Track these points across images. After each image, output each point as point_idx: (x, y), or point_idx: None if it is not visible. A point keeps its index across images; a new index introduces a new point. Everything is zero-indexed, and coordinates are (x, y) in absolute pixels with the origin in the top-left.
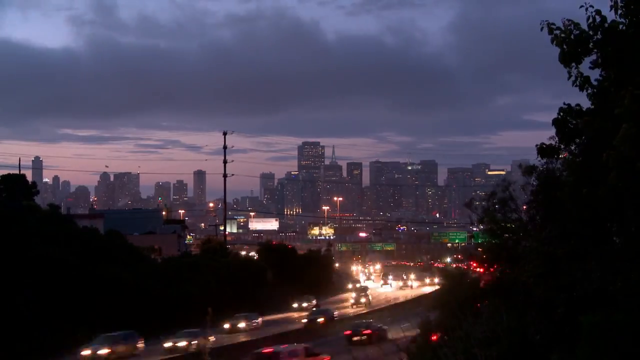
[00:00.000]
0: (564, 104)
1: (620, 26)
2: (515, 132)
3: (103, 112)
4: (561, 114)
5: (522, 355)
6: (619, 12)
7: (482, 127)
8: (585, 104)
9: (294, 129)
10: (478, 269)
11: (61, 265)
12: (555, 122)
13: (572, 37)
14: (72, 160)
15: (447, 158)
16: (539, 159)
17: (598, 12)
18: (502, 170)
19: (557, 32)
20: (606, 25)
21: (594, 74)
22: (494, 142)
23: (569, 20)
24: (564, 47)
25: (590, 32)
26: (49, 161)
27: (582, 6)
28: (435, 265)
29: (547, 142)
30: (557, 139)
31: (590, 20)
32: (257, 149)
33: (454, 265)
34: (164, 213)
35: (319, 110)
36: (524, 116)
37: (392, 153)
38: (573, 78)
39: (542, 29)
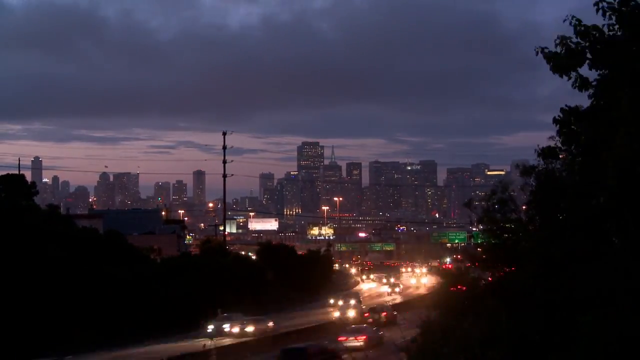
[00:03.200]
0: (565, 105)
1: (607, 32)
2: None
3: (119, 113)
4: (561, 114)
5: (521, 356)
6: (608, 13)
7: (495, 127)
8: (586, 103)
9: (300, 129)
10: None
11: (60, 265)
12: (555, 121)
13: (562, 53)
14: (79, 160)
15: (459, 159)
16: (538, 159)
17: (579, 21)
18: (502, 170)
19: (549, 54)
20: (594, 33)
21: (594, 74)
22: (506, 142)
23: (560, 36)
24: (557, 62)
25: (581, 41)
26: (56, 162)
27: (565, 20)
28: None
29: (547, 143)
30: (557, 139)
31: (577, 29)
32: (265, 149)
33: (446, 266)
34: (163, 213)
35: (324, 110)
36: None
37: (401, 154)
38: (572, 80)
39: (537, 54)
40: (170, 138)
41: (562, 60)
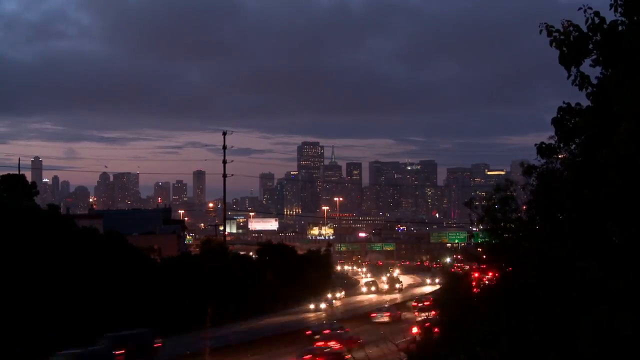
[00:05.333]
0: (564, 103)
1: (620, 27)
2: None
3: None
4: (561, 113)
5: (521, 356)
6: (619, 10)
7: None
8: (586, 103)
9: (307, 130)
10: (476, 272)
11: (60, 265)
12: (554, 121)
13: (571, 38)
14: (85, 161)
15: (466, 159)
16: (539, 158)
17: (597, 13)
18: (502, 170)
19: (556, 34)
20: (605, 26)
21: (595, 72)
22: (515, 143)
23: (568, 21)
24: (564, 49)
25: (590, 34)
26: (63, 162)
27: (580, 8)
28: (435, 265)
29: (547, 142)
30: (556, 138)
31: (590, 22)
32: (272, 150)
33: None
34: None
35: (330, 111)
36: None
37: (409, 154)
38: (572, 77)
39: (541, 32)
40: (180, 139)
41: (572, 48)
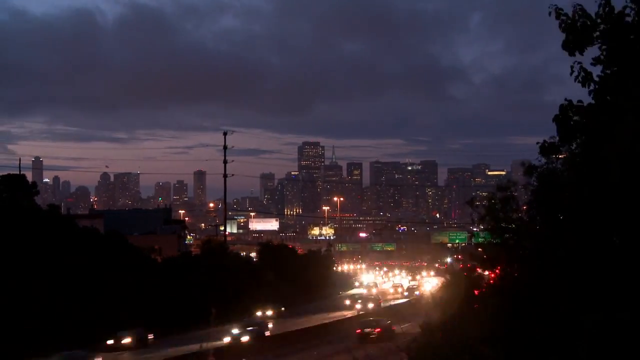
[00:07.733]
0: (565, 100)
1: (628, 18)
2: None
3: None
4: (562, 111)
5: (522, 356)
6: None
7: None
8: (587, 100)
9: (315, 129)
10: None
11: (61, 265)
12: (556, 119)
13: (578, 24)
14: (93, 161)
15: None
16: (539, 158)
17: (607, 1)
18: (502, 170)
19: (564, 17)
20: (614, 15)
21: (596, 70)
22: (524, 142)
23: (578, 5)
24: (569, 35)
25: (598, 21)
26: (72, 163)
27: None
28: (439, 266)
29: (549, 140)
30: (557, 137)
31: (600, 9)
32: (280, 150)
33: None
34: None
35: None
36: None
37: (416, 154)
38: (576, 73)
39: (550, 14)
40: (191, 139)
41: (578, 34)
